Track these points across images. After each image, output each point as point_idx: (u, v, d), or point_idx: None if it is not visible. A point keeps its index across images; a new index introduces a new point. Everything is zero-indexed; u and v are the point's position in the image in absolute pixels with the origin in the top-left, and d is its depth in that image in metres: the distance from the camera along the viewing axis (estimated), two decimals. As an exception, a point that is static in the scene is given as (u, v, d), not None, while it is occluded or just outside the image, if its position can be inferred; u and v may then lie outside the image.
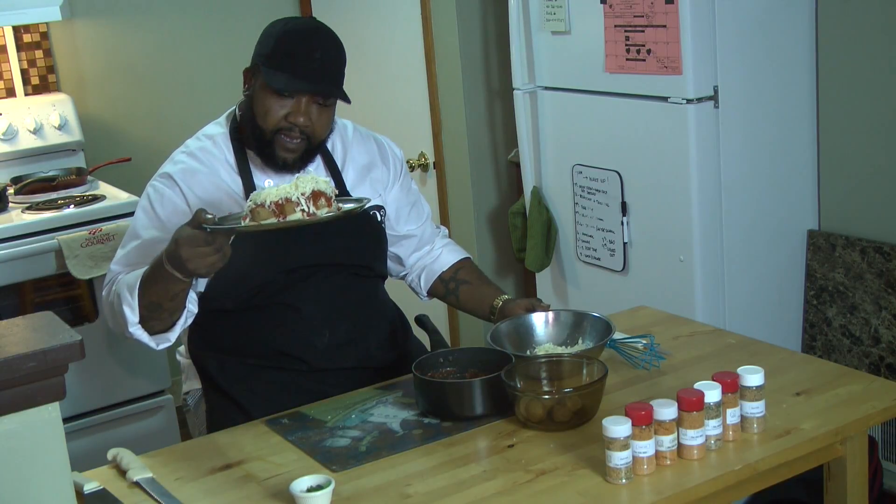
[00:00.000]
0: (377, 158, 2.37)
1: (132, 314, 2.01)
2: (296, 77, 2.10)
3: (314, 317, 2.22)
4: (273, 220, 1.83)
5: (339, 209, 1.89)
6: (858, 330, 3.15)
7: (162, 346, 2.08)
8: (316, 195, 1.86)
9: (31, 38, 3.89)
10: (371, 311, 2.33)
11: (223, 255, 1.88)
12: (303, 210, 1.84)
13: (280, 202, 1.83)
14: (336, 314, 2.25)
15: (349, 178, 2.30)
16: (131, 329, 2.02)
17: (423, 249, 2.49)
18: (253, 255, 2.14)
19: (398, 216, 2.41)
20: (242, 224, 1.85)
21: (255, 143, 2.18)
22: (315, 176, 1.90)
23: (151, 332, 2.05)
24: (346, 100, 2.16)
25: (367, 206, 1.96)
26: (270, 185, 2.20)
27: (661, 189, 3.12)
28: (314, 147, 2.19)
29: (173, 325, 2.06)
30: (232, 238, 1.91)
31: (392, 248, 2.43)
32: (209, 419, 2.28)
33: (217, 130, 2.26)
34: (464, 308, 2.45)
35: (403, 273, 2.51)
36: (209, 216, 1.85)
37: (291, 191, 1.84)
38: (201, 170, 2.19)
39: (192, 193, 2.17)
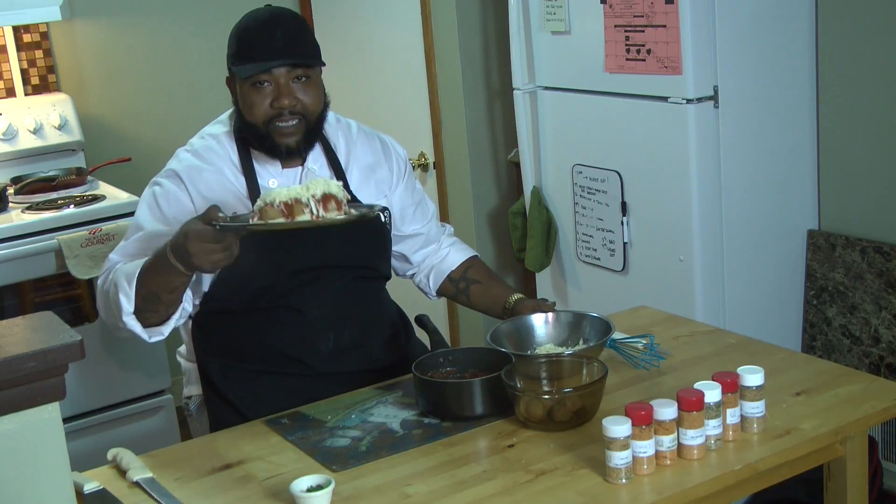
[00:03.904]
0: (381, 158, 2.36)
1: (128, 303, 2.00)
2: (262, 60, 2.11)
3: (319, 320, 2.22)
4: (281, 219, 1.83)
5: (348, 213, 1.88)
6: (858, 330, 3.15)
7: (154, 339, 2.07)
8: (326, 198, 1.85)
9: (31, 38, 3.89)
10: (374, 314, 2.33)
11: (230, 253, 1.89)
12: (312, 212, 1.84)
13: (290, 202, 1.83)
14: (340, 317, 2.24)
15: (353, 178, 2.30)
16: (125, 318, 2.01)
17: (429, 247, 2.48)
18: (258, 257, 2.13)
19: (403, 216, 2.41)
20: (251, 222, 1.85)
21: (255, 142, 2.18)
22: (328, 179, 1.89)
23: (145, 325, 2.04)
24: (320, 62, 2.16)
25: (377, 211, 1.95)
26: (276, 185, 2.21)
27: (661, 189, 3.12)
28: (313, 126, 2.18)
29: (168, 318, 2.06)
30: (240, 237, 1.91)
31: (397, 247, 2.43)
32: (212, 428, 2.27)
33: (220, 129, 2.26)
34: (476, 307, 2.45)
35: (411, 272, 2.51)
36: (221, 214, 1.86)
37: (302, 192, 1.84)
38: (207, 168, 2.19)
39: (198, 192, 2.16)
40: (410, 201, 2.42)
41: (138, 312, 2.01)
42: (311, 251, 2.20)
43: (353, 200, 2.25)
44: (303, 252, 2.19)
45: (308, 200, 1.83)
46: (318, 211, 1.84)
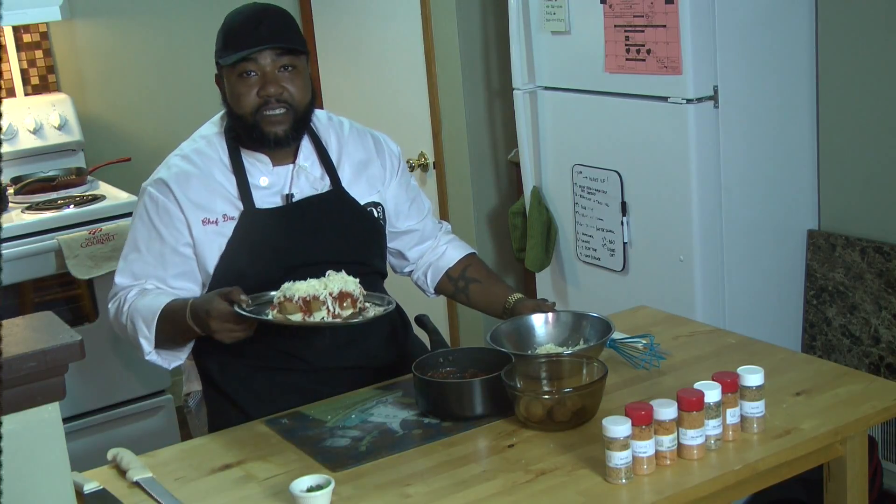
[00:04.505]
0: (373, 154, 2.37)
1: (148, 345, 2.15)
2: (246, 48, 2.13)
3: None
4: (299, 315, 1.95)
5: (364, 308, 2.00)
6: (858, 330, 3.15)
7: (174, 366, 2.23)
8: (343, 295, 1.96)
9: (31, 38, 3.89)
10: (371, 310, 2.33)
11: (249, 332, 2.03)
12: (328, 309, 1.95)
13: (307, 298, 1.94)
14: None
15: (345, 175, 2.31)
16: (147, 357, 2.17)
17: (425, 244, 2.49)
18: (253, 254, 2.17)
19: (398, 212, 2.41)
20: (271, 316, 1.98)
21: (244, 134, 2.21)
22: (345, 276, 2.00)
23: (162, 348, 2.17)
24: (305, 50, 2.20)
25: (392, 307, 2.08)
26: (266, 183, 2.22)
27: (661, 189, 3.12)
28: (301, 117, 2.20)
29: (184, 346, 2.20)
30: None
31: (392, 244, 2.44)
32: (210, 422, 2.29)
33: (211, 130, 2.29)
34: (475, 306, 2.46)
35: (409, 269, 2.51)
36: (244, 298, 1.98)
37: (319, 288, 1.95)
38: (195, 173, 2.21)
39: (186, 198, 2.19)
40: (405, 197, 2.43)
41: (156, 347, 2.16)
42: (304, 247, 2.21)
43: (339, 190, 2.29)
44: (297, 248, 2.21)
45: (325, 298, 1.94)
46: (334, 309, 1.95)
